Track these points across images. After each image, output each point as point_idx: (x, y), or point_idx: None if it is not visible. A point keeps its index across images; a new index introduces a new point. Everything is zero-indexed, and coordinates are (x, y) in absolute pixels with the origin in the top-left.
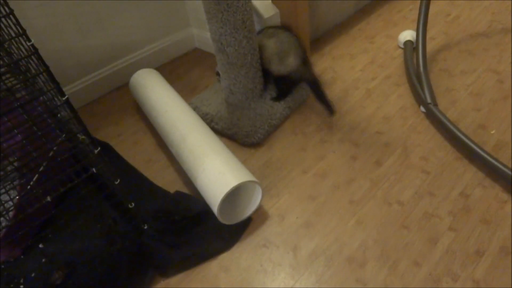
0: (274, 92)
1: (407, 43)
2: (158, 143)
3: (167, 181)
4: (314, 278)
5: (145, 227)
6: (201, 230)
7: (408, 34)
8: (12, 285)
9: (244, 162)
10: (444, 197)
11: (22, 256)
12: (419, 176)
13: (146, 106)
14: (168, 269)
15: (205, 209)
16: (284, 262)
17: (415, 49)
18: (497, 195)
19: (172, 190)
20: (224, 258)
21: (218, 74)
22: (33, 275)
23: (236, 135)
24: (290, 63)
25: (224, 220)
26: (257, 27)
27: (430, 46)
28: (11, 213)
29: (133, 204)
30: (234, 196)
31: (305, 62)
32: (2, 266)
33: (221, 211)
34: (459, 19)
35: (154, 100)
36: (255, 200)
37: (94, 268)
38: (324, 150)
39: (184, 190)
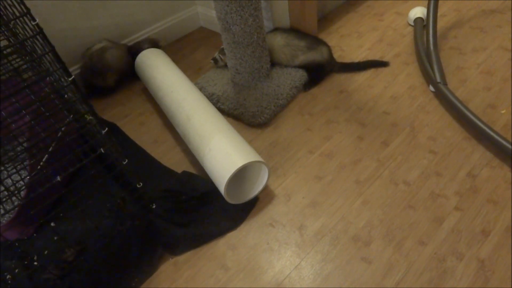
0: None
1: (417, 20)
2: (165, 123)
3: (174, 161)
4: (320, 257)
5: (153, 207)
6: (208, 209)
7: (418, 11)
8: (26, 262)
9: (251, 142)
10: (451, 177)
11: (35, 234)
12: (426, 156)
13: (152, 87)
14: (176, 247)
15: (212, 188)
16: (290, 241)
17: (426, 26)
18: (505, 175)
19: (179, 170)
20: (231, 236)
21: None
22: (46, 252)
23: (242, 115)
24: (325, 52)
25: (230, 200)
26: (263, 5)
27: (440, 24)
28: (22, 193)
29: (141, 184)
30: (240, 176)
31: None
32: (16, 244)
33: (227, 191)
34: None
35: (159, 80)
36: (261, 180)
37: (104, 246)
38: (330, 131)
39: (191, 170)
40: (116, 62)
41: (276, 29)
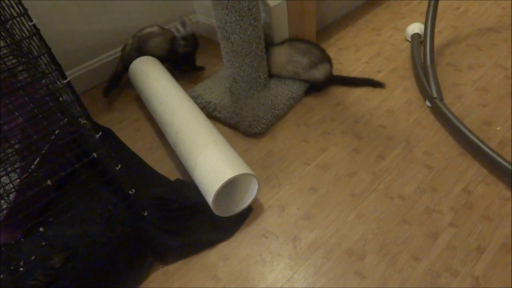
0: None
1: (415, 36)
2: (159, 130)
3: (168, 169)
4: (312, 270)
5: (145, 214)
6: (200, 218)
7: (416, 27)
8: (12, 267)
9: (246, 152)
10: (447, 193)
11: (22, 239)
12: (421, 171)
13: (143, 96)
14: (167, 256)
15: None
16: (283, 253)
17: (423, 42)
18: (500, 192)
19: (172, 178)
20: (224, 247)
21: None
22: (33, 258)
23: (238, 124)
24: (327, 69)
25: (221, 213)
26: (263, 15)
27: (437, 40)
28: (11, 196)
29: (133, 190)
30: (230, 188)
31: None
32: (3, 249)
33: (217, 204)
34: (468, 13)
35: (149, 91)
36: (251, 191)
37: (93, 253)
38: (326, 142)
39: (185, 177)
40: (156, 49)
41: (283, 42)
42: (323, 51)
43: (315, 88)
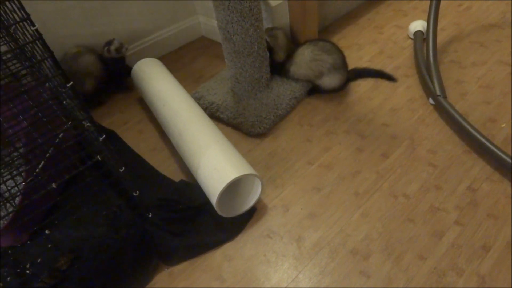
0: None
1: (417, 33)
2: (163, 132)
3: (172, 170)
4: (317, 270)
5: (149, 215)
6: (205, 219)
7: (418, 25)
8: (18, 270)
9: (249, 152)
10: (451, 191)
11: (28, 242)
12: (426, 169)
13: (146, 98)
14: (172, 257)
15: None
16: (287, 253)
17: (425, 39)
18: (505, 190)
19: (176, 179)
20: (228, 247)
21: None
22: (39, 260)
23: (241, 125)
24: (345, 76)
25: (225, 214)
26: (265, 16)
27: (440, 37)
28: (17, 199)
29: (137, 192)
30: (234, 188)
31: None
32: (9, 251)
33: (221, 205)
34: (471, 10)
35: (152, 93)
36: (255, 192)
37: (98, 255)
38: (330, 142)
39: (188, 179)
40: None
41: (305, 43)
42: (344, 57)
43: (319, 91)
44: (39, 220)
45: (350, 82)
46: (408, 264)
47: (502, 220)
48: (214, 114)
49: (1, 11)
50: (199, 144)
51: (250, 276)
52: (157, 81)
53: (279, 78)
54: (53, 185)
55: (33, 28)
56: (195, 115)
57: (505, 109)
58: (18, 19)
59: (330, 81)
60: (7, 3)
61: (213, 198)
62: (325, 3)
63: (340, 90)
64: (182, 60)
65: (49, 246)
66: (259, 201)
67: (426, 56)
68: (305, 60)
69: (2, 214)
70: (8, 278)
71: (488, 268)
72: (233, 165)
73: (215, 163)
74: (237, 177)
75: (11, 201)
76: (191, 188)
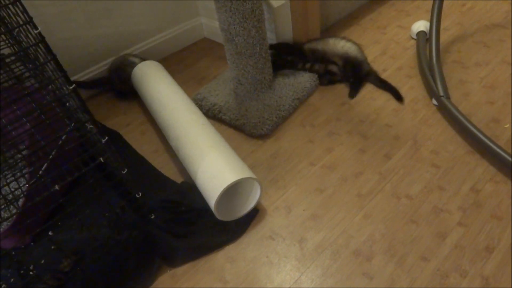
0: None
1: (420, 34)
2: None
3: (175, 171)
4: (320, 271)
5: (152, 217)
6: (207, 221)
7: (421, 25)
8: (22, 271)
9: (251, 153)
10: (454, 192)
11: (32, 243)
12: (429, 170)
13: (145, 102)
14: (174, 259)
15: None
16: (290, 254)
17: (428, 40)
18: (509, 190)
19: (179, 181)
20: (230, 249)
21: None
22: (42, 261)
23: (244, 126)
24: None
25: (225, 218)
26: (267, 17)
27: (443, 37)
28: (20, 201)
29: (140, 193)
30: (233, 192)
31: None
32: (13, 253)
33: (220, 208)
34: (474, 9)
35: (151, 97)
36: (254, 194)
37: (101, 256)
38: (332, 143)
39: (191, 180)
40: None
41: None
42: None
43: (354, 83)
44: (42, 222)
45: (338, 86)
46: (411, 265)
47: (505, 221)
48: (216, 116)
49: (4, 14)
50: (197, 149)
51: (252, 278)
52: (155, 85)
53: (281, 79)
54: (56, 187)
55: (36, 31)
56: (193, 120)
57: (509, 109)
58: (21, 22)
59: (350, 47)
60: (10, 6)
61: (211, 204)
62: (327, 3)
63: (363, 80)
64: (185, 62)
65: (52, 247)
66: (261, 202)
67: (429, 57)
68: (329, 45)
69: (6, 216)
70: (12, 280)
71: (492, 269)
72: (231, 170)
73: (212, 169)
74: (233, 182)
75: (15, 203)
76: (193, 189)
